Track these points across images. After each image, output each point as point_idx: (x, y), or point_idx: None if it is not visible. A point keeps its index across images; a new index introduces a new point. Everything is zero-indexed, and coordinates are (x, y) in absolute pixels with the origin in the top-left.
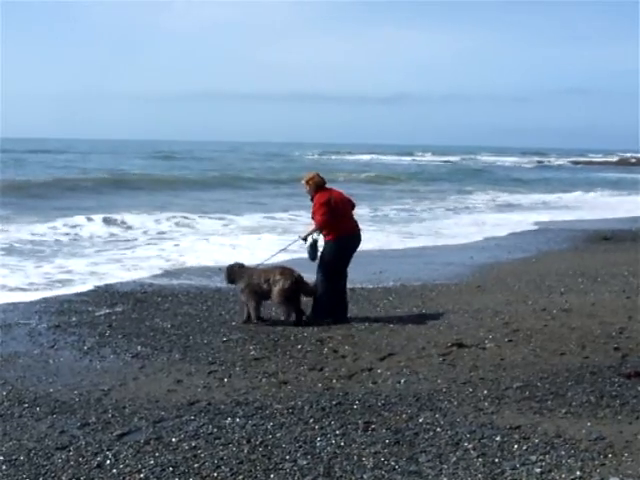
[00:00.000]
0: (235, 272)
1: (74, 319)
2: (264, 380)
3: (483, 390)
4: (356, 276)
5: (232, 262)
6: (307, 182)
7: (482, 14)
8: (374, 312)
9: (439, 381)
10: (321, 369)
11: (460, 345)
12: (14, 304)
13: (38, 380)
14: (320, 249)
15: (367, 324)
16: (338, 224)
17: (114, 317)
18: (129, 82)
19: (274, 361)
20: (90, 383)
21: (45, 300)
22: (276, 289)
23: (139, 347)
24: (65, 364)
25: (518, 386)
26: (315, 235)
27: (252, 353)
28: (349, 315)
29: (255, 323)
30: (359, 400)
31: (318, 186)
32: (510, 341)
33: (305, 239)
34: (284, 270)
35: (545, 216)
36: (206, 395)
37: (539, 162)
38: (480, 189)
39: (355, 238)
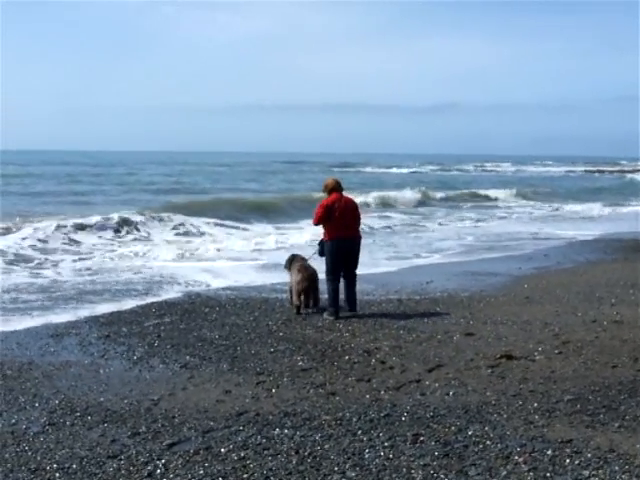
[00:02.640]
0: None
1: (124, 329)
2: (312, 391)
3: (533, 403)
4: (403, 287)
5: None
6: (324, 186)
7: (528, 22)
8: (421, 323)
9: (488, 393)
10: (369, 380)
11: (509, 357)
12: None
13: (89, 389)
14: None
15: (415, 335)
16: (334, 227)
17: (163, 327)
18: (174, 95)
19: (322, 372)
20: (140, 393)
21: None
22: (293, 280)
23: (187, 357)
24: (115, 374)
25: (569, 399)
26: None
27: (300, 364)
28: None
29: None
30: (407, 412)
31: (330, 189)
32: (560, 353)
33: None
34: (301, 266)
35: (598, 227)
36: (254, 405)
37: (588, 171)
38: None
39: (347, 241)
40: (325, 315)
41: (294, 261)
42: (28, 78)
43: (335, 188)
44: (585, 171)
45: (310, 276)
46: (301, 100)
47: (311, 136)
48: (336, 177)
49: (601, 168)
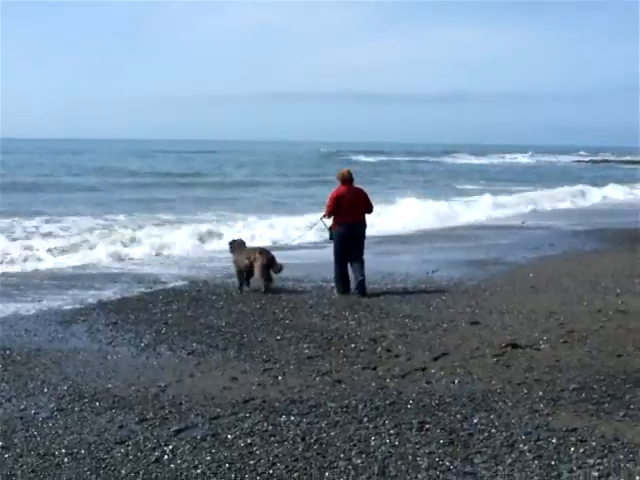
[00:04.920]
0: (234, 246)
1: (131, 316)
2: (318, 379)
3: (538, 391)
4: (409, 275)
5: (236, 238)
6: (340, 175)
7: (541, 11)
8: (427, 312)
9: (493, 382)
10: (375, 368)
11: (514, 346)
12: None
13: (97, 375)
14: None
15: (420, 324)
16: (341, 215)
17: (170, 315)
18: (184, 85)
19: (328, 360)
20: (147, 379)
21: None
22: (256, 264)
23: (194, 344)
24: (123, 360)
25: (574, 388)
26: (325, 220)
27: (306, 351)
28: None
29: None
30: (413, 400)
31: (342, 180)
32: (565, 342)
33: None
34: (262, 251)
35: (604, 218)
36: (261, 393)
37: (595, 161)
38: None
39: (351, 227)
40: (335, 292)
41: (236, 244)
42: (44, 72)
43: (347, 179)
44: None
45: (272, 257)
46: (316, 88)
47: (331, 124)
48: (349, 168)
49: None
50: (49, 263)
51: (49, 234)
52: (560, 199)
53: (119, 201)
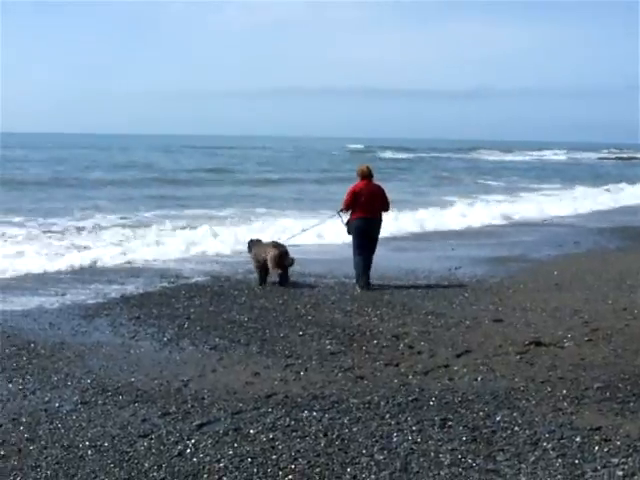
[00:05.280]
0: (251, 244)
1: (154, 311)
2: (340, 374)
3: (562, 390)
4: (431, 272)
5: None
6: (360, 171)
7: (561, 6)
8: (450, 309)
9: (517, 379)
10: (397, 365)
11: (538, 344)
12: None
13: (120, 369)
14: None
15: (443, 321)
16: (357, 209)
17: (192, 310)
18: (201, 80)
19: (350, 356)
20: (170, 373)
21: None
22: (268, 257)
23: (217, 339)
24: (146, 354)
25: (598, 386)
26: (342, 214)
27: (328, 347)
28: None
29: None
30: (435, 397)
31: (361, 176)
32: (590, 340)
33: (339, 212)
34: (276, 244)
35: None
36: (283, 388)
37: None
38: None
39: (367, 220)
40: (356, 287)
41: (254, 242)
42: (54, 67)
43: (366, 175)
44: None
45: (285, 250)
46: (333, 84)
47: (344, 120)
48: (368, 164)
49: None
50: (77, 259)
51: (81, 230)
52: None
53: (147, 197)
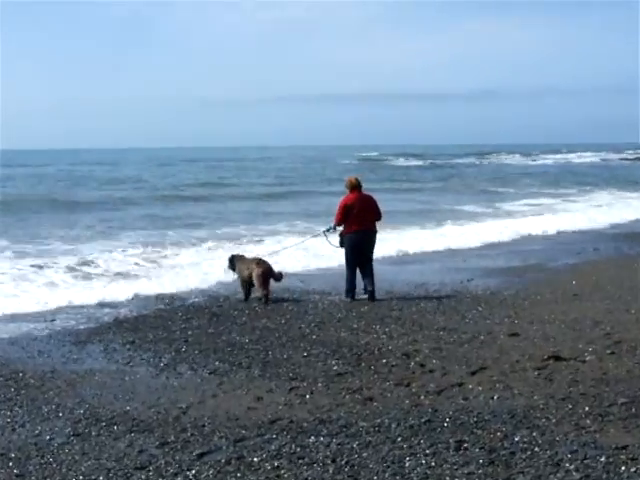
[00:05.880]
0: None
1: (150, 335)
2: (348, 397)
3: (584, 406)
4: (442, 285)
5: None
6: (349, 183)
7: (581, 3)
8: (463, 324)
9: (535, 397)
10: (408, 384)
11: (557, 358)
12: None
13: (115, 398)
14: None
15: (456, 336)
16: (352, 222)
17: (190, 332)
18: (207, 87)
19: (358, 376)
20: (168, 400)
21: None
22: (254, 274)
23: (217, 363)
24: (142, 381)
25: (623, 402)
26: (329, 233)
27: (335, 368)
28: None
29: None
30: (450, 417)
31: (351, 187)
32: (612, 353)
33: (327, 230)
34: (259, 261)
35: None
36: (288, 413)
37: None
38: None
39: (362, 233)
40: (343, 297)
41: (236, 258)
42: (48, 73)
43: (356, 186)
44: None
45: (269, 267)
46: (338, 90)
47: (354, 127)
48: (356, 175)
49: None
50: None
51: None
52: None
53: (169, 219)
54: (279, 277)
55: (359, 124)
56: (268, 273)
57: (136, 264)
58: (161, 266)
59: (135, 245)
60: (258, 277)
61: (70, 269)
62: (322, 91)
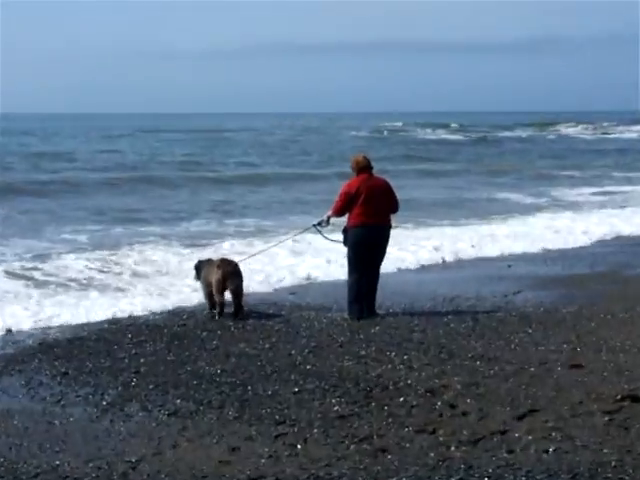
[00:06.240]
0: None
1: (88, 364)
2: (353, 447)
3: None
4: (479, 298)
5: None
6: (355, 163)
7: None
8: (507, 351)
9: (605, 450)
10: (433, 431)
11: (635, 399)
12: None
13: (40, 449)
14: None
15: (497, 368)
16: (358, 212)
17: (142, 360)
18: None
19: (366, 420)
20: (112, 452)
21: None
22: (213, 280)
23: (178, 401)
24: (77, 426)
25: None
26: (322, 226)
27: (335, 408)
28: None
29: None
30: (489, 476)
31: (357, 169)
32: None
33: (319, 224)
34: (220, 263)
35: None
36: (273, 468)
37: None
38: None
39: (371, 229)
40: (346, 314)
41: (203, 264)
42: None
43: (364, 167)
44: None
45: (231, 271)
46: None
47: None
48: (364, 153)
49: None
50: None
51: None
52: None
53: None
54: (235, 287)
55: (379, 84)
56: (226, 277)
57: (73, 269)
58: (104, 272)
59: (72, 244)
60: (216, 283)
61: None
62: (332, 38)
